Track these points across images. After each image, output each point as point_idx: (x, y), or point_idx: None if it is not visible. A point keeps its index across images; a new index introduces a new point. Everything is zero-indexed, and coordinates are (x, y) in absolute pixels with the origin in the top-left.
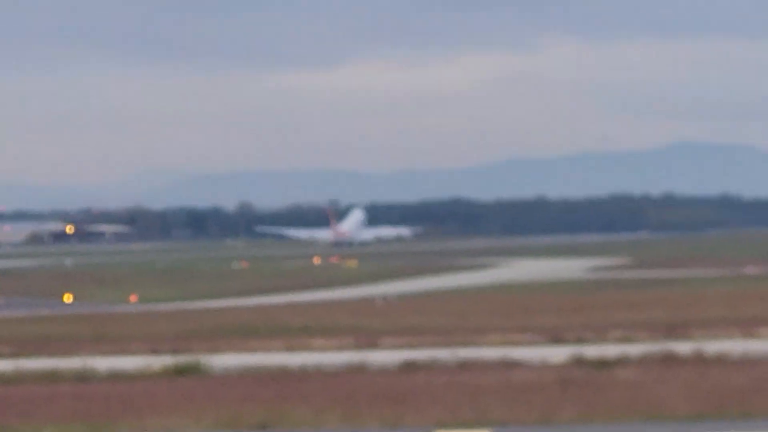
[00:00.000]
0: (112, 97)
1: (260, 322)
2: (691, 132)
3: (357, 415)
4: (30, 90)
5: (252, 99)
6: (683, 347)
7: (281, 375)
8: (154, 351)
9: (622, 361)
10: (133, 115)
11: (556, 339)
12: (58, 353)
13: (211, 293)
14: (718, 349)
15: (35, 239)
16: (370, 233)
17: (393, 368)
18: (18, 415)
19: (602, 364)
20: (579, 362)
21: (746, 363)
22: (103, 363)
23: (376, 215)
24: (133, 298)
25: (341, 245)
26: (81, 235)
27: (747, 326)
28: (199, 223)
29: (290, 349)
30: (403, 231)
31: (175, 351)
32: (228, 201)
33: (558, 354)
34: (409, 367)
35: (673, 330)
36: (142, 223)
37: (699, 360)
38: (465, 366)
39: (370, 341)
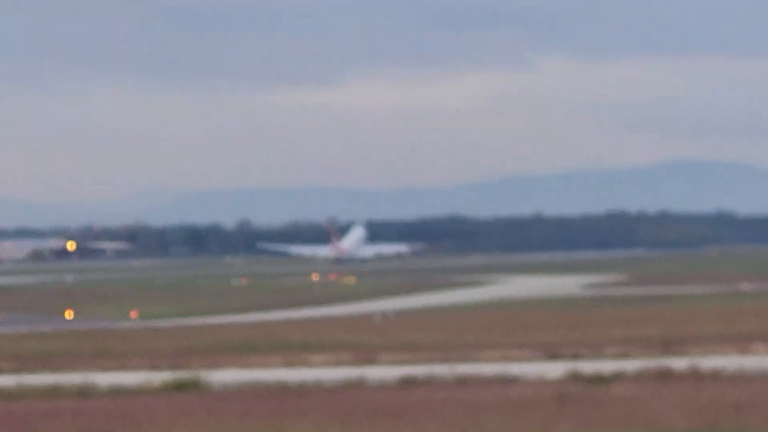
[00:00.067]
0: (113, 115)
1: (259, 338)
2: (687, 150)
3: (356, 431)
4: (32, 108)
5: (252, 117)
6: (679, 363)
7: (280, 391)
8: (155, 367)
9: (618, 377)
10: (133, 133)
11: (553, 355)
12: (59, 369)
13: (211, 310)
14: (714, 365)
15: (37, 256)
16: (371, 250)
17: (391, 384)
18: (20, 431)
19: (599, 379)
20: (576, 378)
21: (741, 379)
22: (103, 378)
23: (375, 232)
24: (133, 314)
25: (342, 262)
26: (82, 252)
27: (742, 342)
28: (199, 240)
29: (289, 365)
30: (402, 248)
31: (175, 367)
32: (228, 218)
33: (555, 370)
34: (407, 382)
35: (669, 346)
36: (142, 240)
37: (694, 376)
38: (463, 382)
39: (368, 357)
